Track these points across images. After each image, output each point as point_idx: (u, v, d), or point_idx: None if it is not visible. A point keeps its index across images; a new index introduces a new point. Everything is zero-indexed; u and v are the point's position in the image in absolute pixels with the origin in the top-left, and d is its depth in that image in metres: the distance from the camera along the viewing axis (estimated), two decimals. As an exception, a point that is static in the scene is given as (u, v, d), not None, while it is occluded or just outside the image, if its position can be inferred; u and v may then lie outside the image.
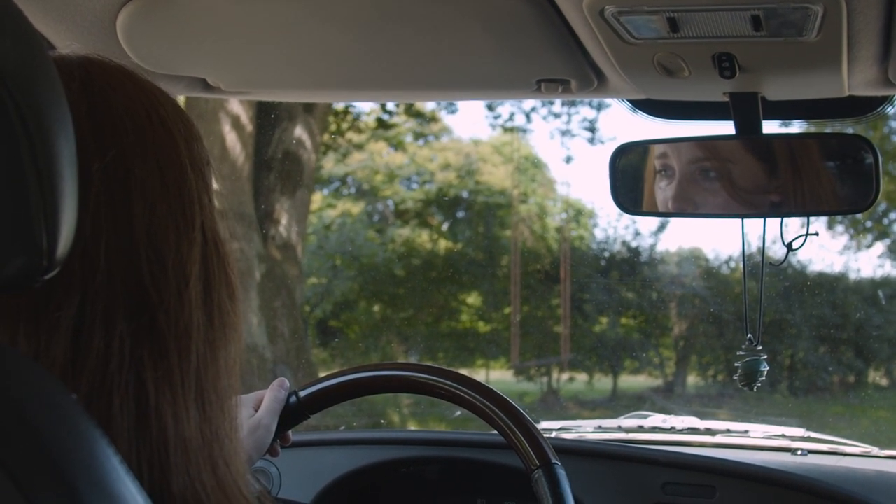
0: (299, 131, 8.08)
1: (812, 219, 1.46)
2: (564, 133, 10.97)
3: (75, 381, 0.68)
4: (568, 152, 13.31)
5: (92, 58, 0.77)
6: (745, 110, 1.36)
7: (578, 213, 11.76)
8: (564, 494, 1.32)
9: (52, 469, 0.57)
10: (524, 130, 11.85)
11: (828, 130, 1.63)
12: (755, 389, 1.51)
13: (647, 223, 10.94)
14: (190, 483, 0.70)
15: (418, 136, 12.21)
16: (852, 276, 10.70)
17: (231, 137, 7.30)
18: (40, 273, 0.59)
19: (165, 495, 0.69)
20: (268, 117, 7.84)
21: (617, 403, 10.28)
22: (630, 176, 1.48)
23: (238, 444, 0.77)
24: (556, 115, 10.68)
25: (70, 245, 0.60)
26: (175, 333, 0.72)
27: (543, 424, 2.13)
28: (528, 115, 10.99)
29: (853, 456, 1.96)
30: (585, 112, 10.55)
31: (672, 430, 2.09)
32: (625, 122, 13.08)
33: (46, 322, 0.68)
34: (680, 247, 11.66)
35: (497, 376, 11.17)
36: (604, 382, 11.08)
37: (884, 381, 10.61)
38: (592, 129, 10.67)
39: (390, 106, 10.71)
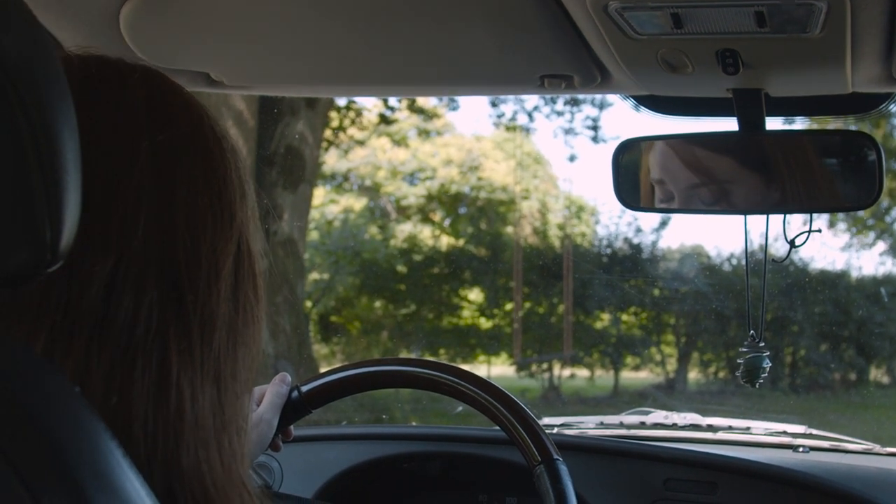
0: (301, 126, 8.08)
1: (814, 216, 1.46)
2: (568, 131, 10.98)
3: (102, 339, 0.69)
4: (571, 150, 13.31)
5: (154, 67, 0.82)
6: (749, 107, 1.36)
7: (581, 210, 11.77)
8: (566, 490, 1.32)
9: (56, 463, 0.57)
10: (527, 129, 11.85)
11: (831, 127, 1.63)
12: (757, 386, 1.51)
13: (650, 220, 10.95)
14: (198, 463, 0.72)
15: (421, 131, 12.21)
16: (854, 273, 10.71)
17: (233, 133, 7.28)
18: (44, 266, 0.59)
19: (175, 469, 0.70)
20: (270, 112, 7.84)
21: (618, 400, 10.29)
22: (633, 172, 1.47)
23: (246, 439, 0.79)
24: (559, 114, 10.68)
25: (74, 237, 0.60)
26: (200, 319, 0.73)
27: (545, 421, 2.13)
28: (530, 115, 10.99)
29: (855, 453, 1.96)
30: (588, 110, 10.55)
31: (674, 426, 2.09)
32: (628, 121, 13.09)
33: (80, 273, 0.69)
34: (682, 243, 11.68)
35: (498, 372, 11.18)
36: (605, 379, 11.09)
37: (885, 379, 10.62)
38: (595, 128, 10.67)
39: (392, 102, 10.71)
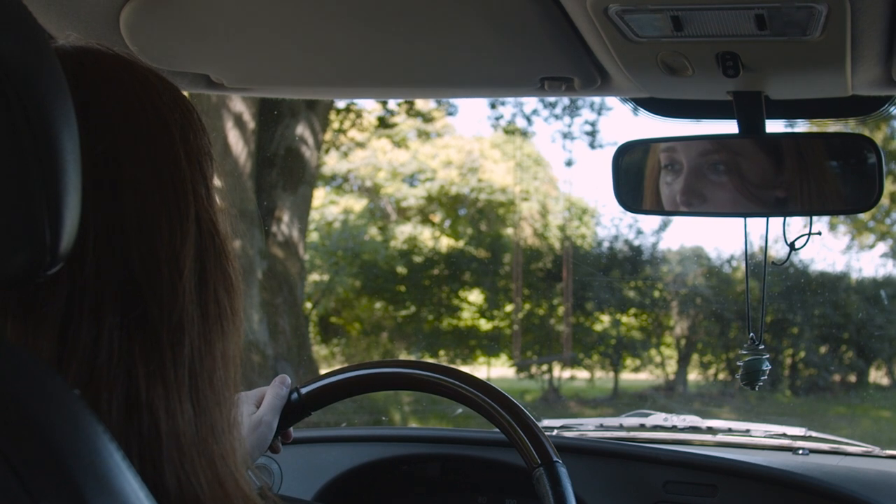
0: (301, 128, 8.08)
1: (814, 218, 1.46)
2: (566, 136, 10.97)
3: (62, 374, 0.67)
4: (569, 155, 13.33)
5: (87, 48, 0.76)
6: (749, 109, 1.36)
7: (582, 212, 11.76)
8: (566, 493, 1.32)
9: (55, 465, 0.57)
10: (525, 133, 11.86)
11: (831, 130, 1.63)
12: (757, 388, 1.50)
13: (650, 222, 10.95)
14: (185, 478, 0.70)
15: (421, 133, 12.21)
16: (854, 275, 10.71)
17: (233, 134, 7.30)
18: (44, 268, 0.59)
19: (159, 490, 0.68)
20: (270, 114, 7.84)
21: (618, 402, 10.29)
22: (633, 174, 1.47)
23: (236, 439, 0.76)
24: (558, 118, 10.68)
25: (73, 240, 0.60)
26: (168, 327, 0.71)
27: (545, 422, 2.13)
28: (528, 118, 10.99)
29: (855, 455, 1.96)
30: (587, 115, 10.56)
31: (674, 428, 2.09)
32: (625, 126, 13.08)
33: (33, 315, 0.67)
34: (682, 245, 11.67)
35: (498, 374, 11.18)
36: (605, 381, 11.09)
37: (885, 381, 10.61)
38: (593, 133, 10.68)
39: (391, 105, 10.70)
